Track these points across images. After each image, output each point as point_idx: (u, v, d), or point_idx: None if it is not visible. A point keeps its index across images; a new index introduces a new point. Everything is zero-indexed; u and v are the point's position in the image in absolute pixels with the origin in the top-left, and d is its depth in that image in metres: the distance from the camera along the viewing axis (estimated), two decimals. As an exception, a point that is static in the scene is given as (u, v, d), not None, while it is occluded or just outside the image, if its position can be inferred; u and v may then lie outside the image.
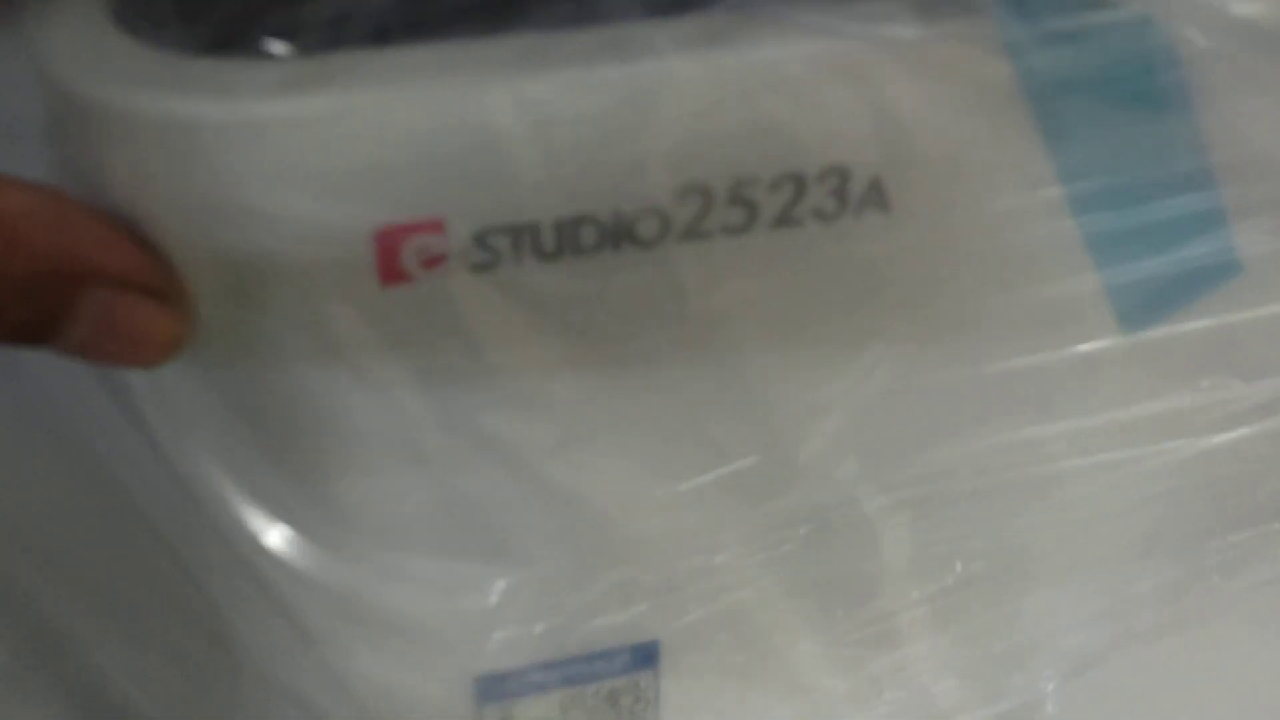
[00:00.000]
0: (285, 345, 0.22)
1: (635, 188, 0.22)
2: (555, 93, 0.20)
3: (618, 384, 0.24)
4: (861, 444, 0.27)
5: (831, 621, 0.31)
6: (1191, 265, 0.28)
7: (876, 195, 0.24)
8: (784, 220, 0.23)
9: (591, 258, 0.22)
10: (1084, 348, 0.28)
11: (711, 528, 0.28)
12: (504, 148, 0.21)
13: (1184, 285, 0.28)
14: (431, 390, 0.23)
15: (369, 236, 0.21)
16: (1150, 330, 0.28)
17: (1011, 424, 0.29)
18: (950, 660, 0.33)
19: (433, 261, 0.21)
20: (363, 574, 0.26)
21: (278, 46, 0.20)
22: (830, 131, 0.22)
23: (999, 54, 0.22)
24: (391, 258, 0.21)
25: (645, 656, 0.30)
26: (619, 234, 0.22)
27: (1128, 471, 0.31)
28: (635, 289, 0.23)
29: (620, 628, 0.29)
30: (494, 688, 0.28)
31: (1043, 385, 0.29)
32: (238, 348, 0.22)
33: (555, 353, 0.23)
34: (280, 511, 0.24)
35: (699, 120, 0.21)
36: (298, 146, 0.20)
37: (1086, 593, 0.33)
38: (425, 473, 0.24)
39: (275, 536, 0.24)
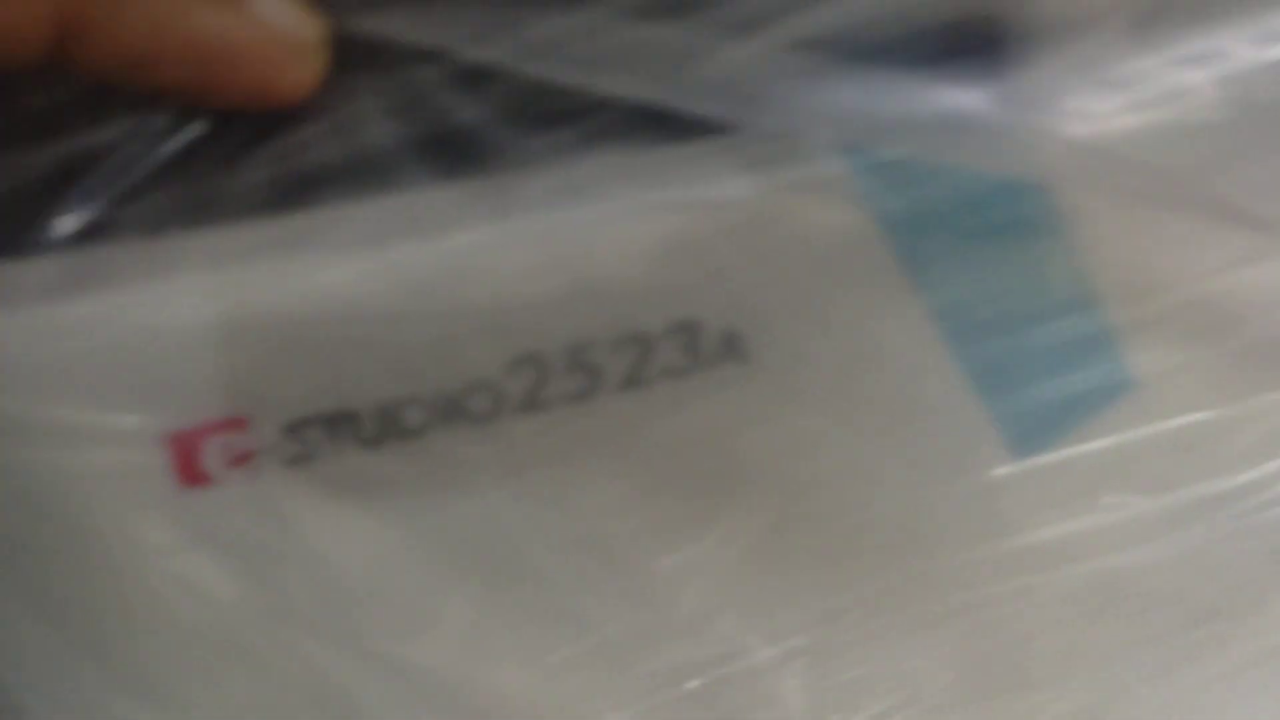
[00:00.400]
0: (89, 556, 0.20)
1: (459, 364, 0.20)
2: (355, 274, 0.18)
3: (466, 566, 0.22)
4: (738, 597, 0.25)
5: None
6: (1081, 387, 0.27)
7: (732, 347, 0.22)
8: (632, 382, 0.22)
9: (419, 439, 0.21)
10: (974, 479, 0.27)
11: (590, 695, 0.26)
12: (307, 334, 0.19)
13: (1076, 406, 0.27)
14: (252, 586, 0.21)
15: (161, 442, 0.19)
16: (1044, 455, 0.27)
17: (904, 560, 0.27)
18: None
19: (239, 460, 0.20)
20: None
21: (48, 239, 0.18)
22: (671, 288, 0.21)
23: (848, 199, 0.21)
24: (190, 460, 0.19)
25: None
26: (448, 413, 0.21)
27: (1031, 599, 0.29)
28: (473, 467, 0.21)
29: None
30: None
31: (934, 519, 0.27)
32: (44, 558, 0.21)
33: (391, 541, 0.21)
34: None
35: (518, 288, 0.19)
36: (73, 349, 0.18)
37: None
38: (258, 668, 0.22)
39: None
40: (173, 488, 0.19)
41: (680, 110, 0.19)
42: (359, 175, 0.19)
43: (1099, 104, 0.22)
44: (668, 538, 0.24)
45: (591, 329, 0.21)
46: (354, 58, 0.19)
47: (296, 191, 0.18)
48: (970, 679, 0.30)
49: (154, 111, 0.19)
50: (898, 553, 0.27)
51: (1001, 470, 0.27)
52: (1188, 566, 0.31)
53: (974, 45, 0.20)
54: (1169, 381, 0.27)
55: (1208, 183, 0.24)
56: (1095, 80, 0.22)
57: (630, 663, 0.26)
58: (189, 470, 0.19)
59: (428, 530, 0.22)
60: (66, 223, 0.18)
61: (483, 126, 0.19)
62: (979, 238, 0.22)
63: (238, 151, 0.19)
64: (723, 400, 0.22)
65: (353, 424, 0.20)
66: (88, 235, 0.18)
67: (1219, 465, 0.29)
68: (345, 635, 0.22)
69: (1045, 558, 0.29)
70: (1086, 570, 0.29)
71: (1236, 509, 0.30)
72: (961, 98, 0.19)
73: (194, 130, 0.18)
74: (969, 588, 0.28)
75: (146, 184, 0.18)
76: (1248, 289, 0.26)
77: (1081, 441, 0.27)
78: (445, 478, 0.21)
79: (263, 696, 0.22)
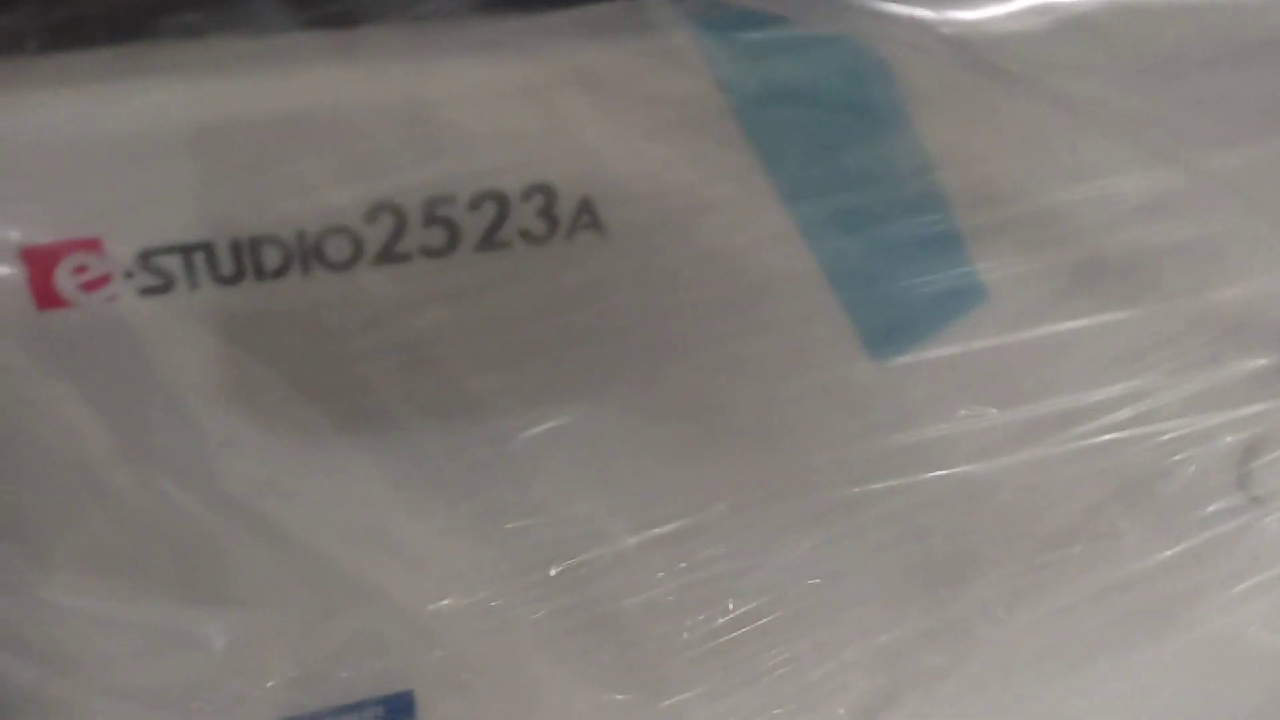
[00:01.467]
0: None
1: (317, 206, 0.21)
2: (211, 100, 0.19)
3: (324, 417, 0.23)
4: (600, 479, 0.26)
5: (598, 667, 0.30)
6: (935, 291, 0.28)
7: (589, 216, 0.23)
8: (490, 243, 0.23)
9: (277, 280, 0.21)
10: (834, 375, 0.28)
11: (455, 570, 0.27)
12: (162, 161, 0.19)
13: (931, 312, 0.28)
14: (110, 420, 0.21)
15: (16, 257, 0.19)
16: (901, 358, 0.28)
17: (767, 454, 0.28)
18: (729, 706, 0.32)
19: (94, 284, 0.20)
20: (63, 620, 0.24)
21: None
22: (525, 149, 0.22)
23: (695, 69, 0.22)
24: (45, 279, 0.20)
25: (399, 708, 0.28)
26: (306, 256, 0.21)
27: (894, 503, 0.30)
28: (332, 314, 0.22)
29: (368, 679, 0.28)
30: (226, 748, 0.27)
31: (796, 414, 0.28)
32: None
33: (246, 384, 0.22)
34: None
35: (373, 134, 0.20)
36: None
37: (863, 630, 0.32)
38: (117, 507, 0.23)
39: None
40: (29, 307, 0.20)
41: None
42: (220, 12, 0.20)
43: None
44: (530, 407, 0.25)
45: (449, 184, 0.22)
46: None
47: (150, 20, 0.19)
48: (834, 584, 0.31)
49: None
50: (761, 444, 0.28)
51: (862, 370, 0.28)
52: (1041, 484, 0.32)
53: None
54: (1017, 291, 0.28)
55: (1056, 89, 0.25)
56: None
57: (498, 540, 0.27)
58: (45, 290, 0.20)
59: (285, 376, 0.22)
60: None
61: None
62: (824, 118, 0.23)
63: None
64: (580, 269, 0.23)
65: (209, 257, 0.20)
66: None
67: (1065, 382, 0.30)
68: (204, 480, 0.23)
69: (907, 462, 0.30)
70: (946, 477, 0.30)
71: (1082, 429, 0.31)
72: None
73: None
74: (833, 488, 0.29)
75: (5, 5, 0.19)
76: (1090, 203, 0.27)
77: (937, 348, 0.29)
78: (303, 322, 0.22)
79: (121, 535, 0.23)
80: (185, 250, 0.20)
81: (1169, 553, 0.34)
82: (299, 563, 0.25)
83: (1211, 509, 0.34)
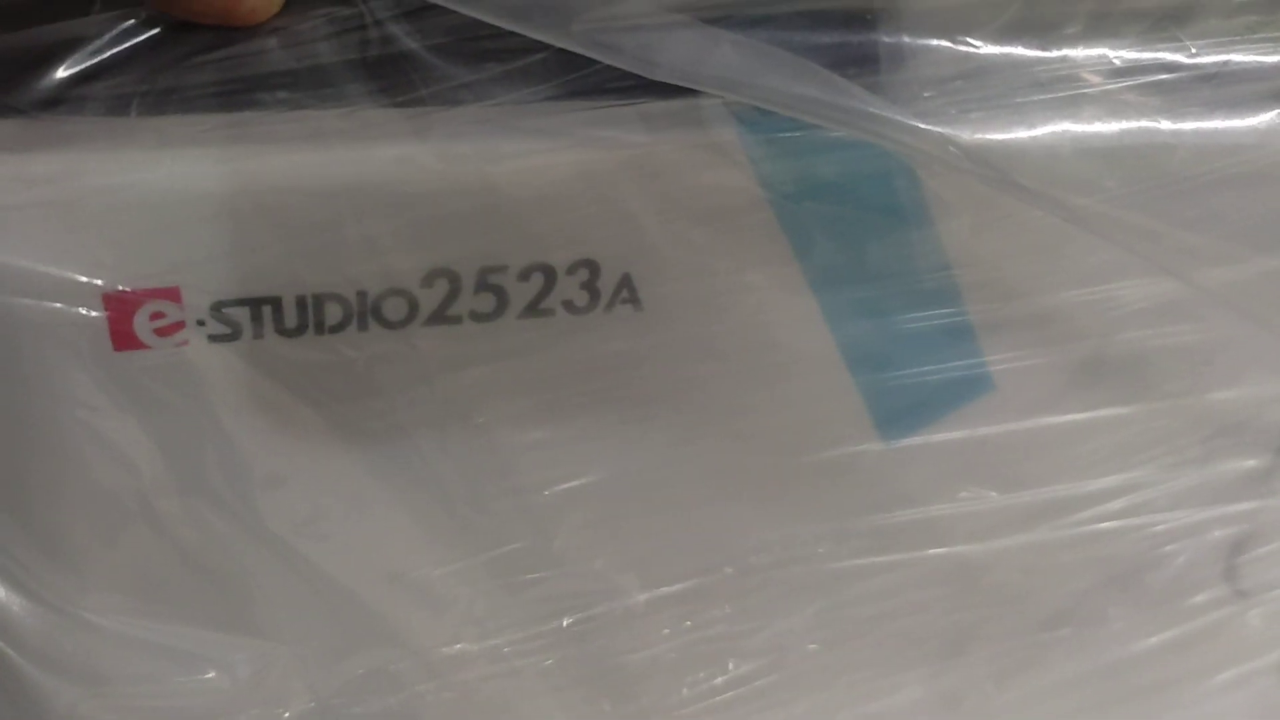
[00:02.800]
0: (17, 402, 0.22)
1: (380, 269, 0.22)
2: (291, 170, 0.21)
3: (367, 464, 0.25)
4: (618, 537, 0.28)
5: (600, 717, 0.31)
6: (945, 379, 0.29)
7: (628, 291, 0.25)
8: (536, 309, 0.24)
9: (336, 335, 0.23)
10: (845, 452, 0.29)
11: (472, 615, 0.28)
12: (239, 220, 0.21)
13: (939, 398, 0.30)
14: (166, 453, 0.23)
15: (99, 301, 0.21)
16: (908, 439, 0.30)
17: (773, 522, 0.30)
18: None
19: (168, 330, 0.22)
20: (99, 638, 0.25)
21: (22, 104, 0.20)
22: (576, 227, 0.23)
23: (738, 164, 0.24)
24: (124, 324, 0.21)
25: (407, 746, 0.30)
26: (365, 314, 0.23)
27: (894, 577, 0.32)
28: (384, 368, 0.23)
29: (378, 715, 0.29)
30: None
31: (807, 485, 0.29)
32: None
33: (299, 428, 0.23)
34: (9, 566, 0.24)
35: (439, 206, 0.22)
36: (31, 203, 0.20)
37: (857, 697, 0.33)
38: (163, 535, 0.24)
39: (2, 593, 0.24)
40: (106, 348, 0.21)
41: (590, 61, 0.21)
42: (304, 86, 0.21)
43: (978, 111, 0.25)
44: (559, 465, 0.26)
45: (502, 254, 0.23)
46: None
47: (245, 93, 0.21)
48: (832, 651, 0.33)
49: (128, 14, 0.21)
50: (771, 512, 0.29)
51: (871, 449, 0.29)
52: (1036, 567, 0.33)
53: (856, 33, 0.23)
54: (1022, 383, 0.30)
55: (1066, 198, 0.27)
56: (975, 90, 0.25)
57: (516, 589, 0.28)
58: (123, 333, 0.21)
59: (333, 422, 0.24)
60: (39, 92, 0.20)
61: (420, 55, 0.22)
62: (854, 214, 0.25)
63: (196, 52, 0.21)
64: (616, 339, 0.25)
65: (276, 310, 0.22)
66: (57, 105, 0.20)
67: (1063, 472, 0.32)
68: (248, 514, 0.24)
69: (908, 538, 0.31)
70: (945, 555, 0.32)
71: (1077, 517, 0.32)
72: (845, 80, 0.22)
73: (159, 30, 0.21)
74: (836, 558, 0.31)
75: (113, 70, 0.21)
76: (1095, 305, 0.29)
77: (943, 432, 0.30)
78: (355, 374, 0.23)
79: (164, 561, 0.24)
80: (254, 303, 0.22)
81: (1154, 640, 0.35)
82: (326, 599, 0.26)
83: (1198, 600, 0.35)
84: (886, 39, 0.23)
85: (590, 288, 0.24)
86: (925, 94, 0.23)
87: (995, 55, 0.24)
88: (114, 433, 0.22)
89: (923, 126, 0.23)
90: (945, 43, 0.23)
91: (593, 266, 0.24)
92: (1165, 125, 0.24)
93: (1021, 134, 0.24)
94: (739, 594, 0.30)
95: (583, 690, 0.30)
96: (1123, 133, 0.24)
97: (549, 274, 0.24)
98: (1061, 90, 0.24)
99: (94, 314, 0.21)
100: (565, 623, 0.29)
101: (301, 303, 0.22)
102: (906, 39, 0.23)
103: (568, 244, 0.23)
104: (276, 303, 0.22)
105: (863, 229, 0.25)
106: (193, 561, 0.24)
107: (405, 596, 0.27)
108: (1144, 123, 0.24)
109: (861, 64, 0.23)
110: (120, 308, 0.21)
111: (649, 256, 0.24)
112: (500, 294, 0.24)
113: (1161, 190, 0.25)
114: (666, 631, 0.30)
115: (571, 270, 0.24)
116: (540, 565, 0.28)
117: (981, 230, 0.27)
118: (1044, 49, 0.24)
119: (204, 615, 0.26)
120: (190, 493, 0.23)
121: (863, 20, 0.23)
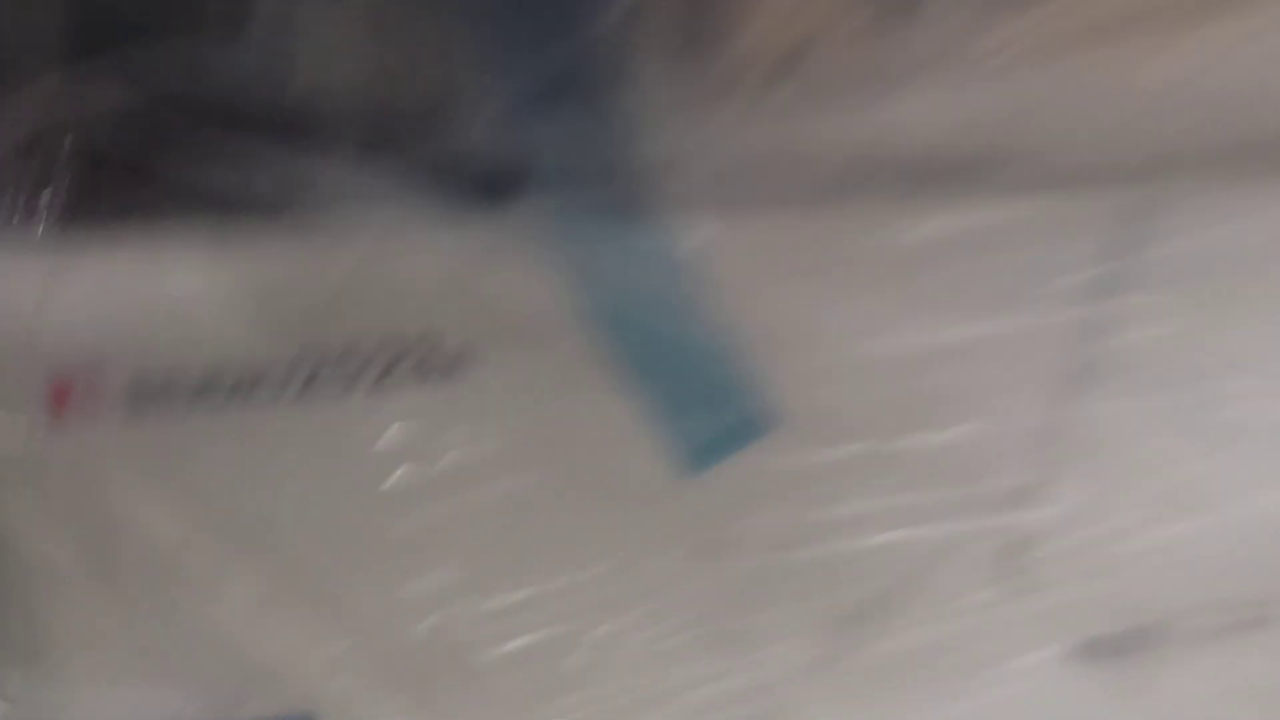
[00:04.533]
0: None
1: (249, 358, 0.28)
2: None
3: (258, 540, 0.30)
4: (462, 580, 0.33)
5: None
6: (739, 418, 0.35)
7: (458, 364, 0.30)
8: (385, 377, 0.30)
9: (221, 414, 0.28)
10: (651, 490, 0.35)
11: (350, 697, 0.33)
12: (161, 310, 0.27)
13: (735, 435, 0.35)
14: (89, 545, 0.28)
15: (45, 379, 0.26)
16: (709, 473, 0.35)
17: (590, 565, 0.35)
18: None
19: (93, 409, 0.27)
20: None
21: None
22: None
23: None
24: (61, 401, 0.27)
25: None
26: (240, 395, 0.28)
27: (701, 584, 0.37)
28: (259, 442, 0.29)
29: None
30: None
31: (619, 523, 0.35)
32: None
33: (193, 506, 0.29)
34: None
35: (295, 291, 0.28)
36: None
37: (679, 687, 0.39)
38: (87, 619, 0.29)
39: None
40: (45, 423, 0.27)
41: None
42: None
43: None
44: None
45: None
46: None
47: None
48: (653, 648, 0.38)
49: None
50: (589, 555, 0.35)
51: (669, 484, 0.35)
52: (837, 566, 0.39)
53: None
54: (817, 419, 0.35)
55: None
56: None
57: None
58: (59, 409, 0.27)
59: (226, 503, 0.29)
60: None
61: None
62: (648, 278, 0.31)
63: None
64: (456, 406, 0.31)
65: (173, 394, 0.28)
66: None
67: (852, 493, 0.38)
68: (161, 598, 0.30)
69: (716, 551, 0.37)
70: (750, 567, 0.38)
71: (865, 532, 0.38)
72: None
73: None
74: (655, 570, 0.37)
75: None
76: (889, 350, 0.34)
77: (741, 463, 0.36)
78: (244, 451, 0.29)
79: (86, 640, 0.29)
80: (163, 385, 0.28)
81: (940, 632, 0.41)
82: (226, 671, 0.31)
83: (978, 598, 0.42)
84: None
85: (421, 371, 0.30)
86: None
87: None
88: (59, 506, 0.27)
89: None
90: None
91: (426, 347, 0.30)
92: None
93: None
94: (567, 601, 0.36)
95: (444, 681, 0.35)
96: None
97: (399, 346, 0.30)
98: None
99: (38, 392, 0.27)
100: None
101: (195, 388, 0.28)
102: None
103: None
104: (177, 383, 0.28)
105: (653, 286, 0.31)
106: (113, 640, 0.29)
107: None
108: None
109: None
110: (60, 386, 0.27)
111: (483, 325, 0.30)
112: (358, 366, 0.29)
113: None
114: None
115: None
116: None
117: (771, 290, 0.32)
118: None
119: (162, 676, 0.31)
120: (107, 580, 0.29)
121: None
